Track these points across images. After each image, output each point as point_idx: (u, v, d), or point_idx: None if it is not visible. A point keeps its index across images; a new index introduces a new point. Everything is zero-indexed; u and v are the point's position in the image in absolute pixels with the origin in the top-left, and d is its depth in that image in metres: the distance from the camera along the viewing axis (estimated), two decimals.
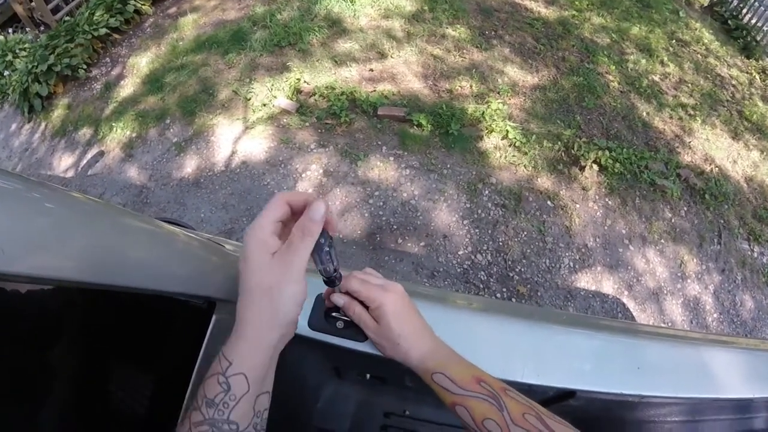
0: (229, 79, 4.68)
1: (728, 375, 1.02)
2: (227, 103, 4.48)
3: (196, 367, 0.77)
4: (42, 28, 5.83)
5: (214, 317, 0.78)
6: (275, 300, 0.54)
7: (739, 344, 1.31)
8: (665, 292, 3.71)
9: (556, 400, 0.96)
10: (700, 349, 1.09)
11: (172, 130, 4.39)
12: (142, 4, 5.79)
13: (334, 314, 0.83)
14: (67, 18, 5.55)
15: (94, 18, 5.35)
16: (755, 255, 4.12)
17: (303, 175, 3.86)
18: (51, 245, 0.42)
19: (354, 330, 0.81)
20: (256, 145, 4.09)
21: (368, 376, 1.13)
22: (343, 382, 1.18)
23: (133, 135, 4.45)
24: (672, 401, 1.01)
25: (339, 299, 0.75)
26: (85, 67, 5.11)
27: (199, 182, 3.95)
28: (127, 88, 4.97)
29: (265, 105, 4.35)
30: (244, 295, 0.56)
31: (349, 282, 0.73)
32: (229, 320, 0.70)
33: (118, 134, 4.50)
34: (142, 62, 5.17)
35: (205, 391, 0.52)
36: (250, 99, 4.43)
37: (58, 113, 4.96)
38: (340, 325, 0.82)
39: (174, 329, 0.85)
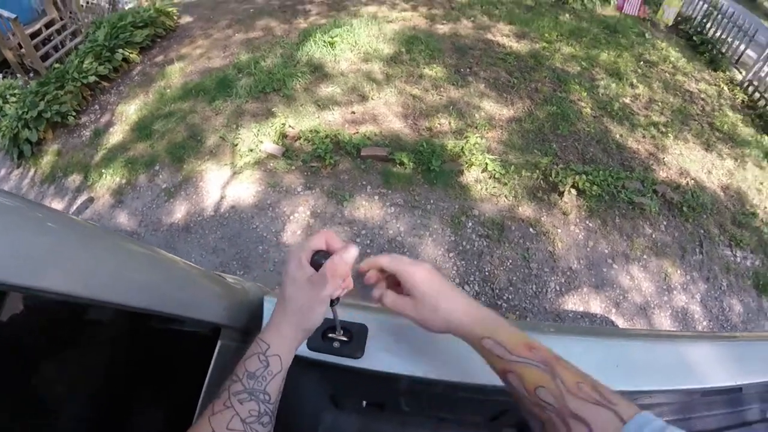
0: (216, 126, 4.85)
1: (712, 365, 1.03)
2: (215, 149, 4.63)
3: (204, 389, 0.82)
4: (32, 74, 5.90)
5: (219, 342, 0.84)
6: (305, 315, 0.69)
7: (722, 337, 1.33)
8: (653, 305, 3.81)
9: None
10: (679, 344, 1.12)
11: (161, 176, 4.51)
12: (130, 53, 5.99)
13: (330, 335, 0.89)
14: (56, 65, 5.67)
15: (84, 65, 5.49)
16: (738, 260, 4.24)
17: (291, 217, 4.00)
18: (58, 262, 0.48)
19: (349, 348, 0.87)
20: (244, 190, 4.22)
21: (365, 403, 1.14)
22: (341, 412, 1.19)
23: (123, 181, 4.57)
24: (657, 399, 1.04)
25: (372, 277, 0.77)
26: (74, 113, 5.21)
27: (189, 227, 4.08)
28: (117, 134, 5.10)
29: (251, 150, 4.50)
30: (284, 301, 0.69)
31: (378, 259, 0.75)
32: (234, 346, 0.81)
33: (108, 180, 4.62)
34: (130, 109, 5.32)
35: (246, 366, 0.63)
36: (237, 144, 4.58)
37: (47, 159, 5.08)
38: (336, 344, 0.88)
39: (180, 356, 0.89)
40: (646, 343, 1.10)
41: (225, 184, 4.31)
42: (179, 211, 4.22)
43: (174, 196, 4.33)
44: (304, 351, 0.87)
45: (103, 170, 4.69)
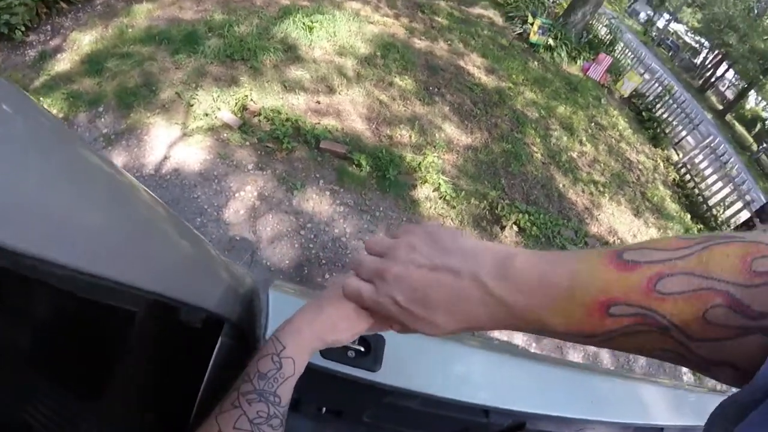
0: (174, 80, 4.56)
1: (644, 405, 1.17)
2: (168, 104, 4.35)
3: (202, 386, 0.76)
4: None
5: (220, 339, 0.77)
6: (334, 330, 0.64)
7: (660, 383, 1.48)
8: (568, 345, 4.01)
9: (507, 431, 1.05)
10: (621, 382, 1.25)
11: (103, 119, 4.16)
12: None
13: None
14: None
15: None
16: None
17: (236, 195, 3.85)
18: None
19: (366, 360, 0.82)
20: (192, 155, 4.00)
21: (323, 410, 1.09)
22: (296, 415, 1.13)
23: (60, 115, 4.15)
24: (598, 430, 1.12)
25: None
26: (23, 29, 4.64)
27: None
28: (64, 63, 4.64)
29: (207, 115, 4.27)
30: (318, 309, 0.64)
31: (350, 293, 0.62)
32: (229, 341, 0.76)
33: None
34: (84, 39, 4.87)
35: (258, 366, 0.59)
36: (192, 105, 4.33)
37: None
38: (351, 354, 0.83)
39: (178, 349, 0.81)
40: (598, 377, 1.22)
41: (172, 144, 4.06)
42: (116, 162, 3.94)
43: (113, 144, 4.02)
44: (316, 359, 0.81)
45: (41, 98, 4.26)
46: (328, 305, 0.64)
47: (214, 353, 0.77)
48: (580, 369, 1.46)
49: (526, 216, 4.43)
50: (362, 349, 0.82)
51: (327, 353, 0.82)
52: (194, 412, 0.75)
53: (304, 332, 0.63)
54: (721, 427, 0.35)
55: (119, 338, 0.66)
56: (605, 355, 4.17)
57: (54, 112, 4.15)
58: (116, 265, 0.40)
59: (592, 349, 4.15)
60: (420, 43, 6.67)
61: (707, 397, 1.38)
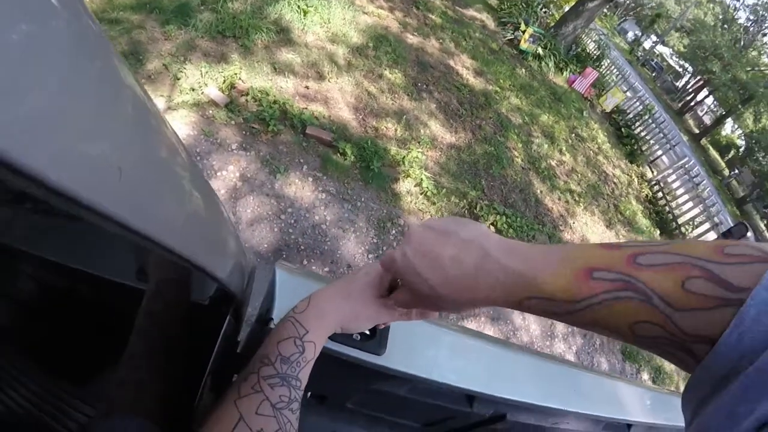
0: (162, 51, 4.45)
1: (614, 402, 1.25)
2: (154, 75, 4.25)
3: (211, 361, 0.75)
4: None
5: (228, 317, 0.78)
6: (358, 321, 0.66)
7: (633, 383, 1.57)
8: (536, 346, 4.12)
9: (488, 422, 1.11)
10: (610, 381, 1.33)
11: None
12: None
13: None
14: None
15: None
16: None
17: (218, 174, 3.83)
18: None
19: (372, 343, 0.83)
20: (175, 129, 3.96)
21: (309, 394, 1.09)
22: None
23: None
24: (572, 424, 1.20)
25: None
26: None
27: None
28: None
29: (193, 90, 4.20)
30: (349, 294, 0.65)
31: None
32: (230, 318, 0.75)
33: None
34: None
35: (279, 349, 0.59)
36: (180, 79, 4.24)
37: None
38: (356, 337, 0.83)
39: (185, 322, 0.80)
40: (577, 372, 1.27)
41: None
42: None
43: None
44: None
45: None
46: (356, 293, 0.65)
47: (224, 327, 0.76)
48: (561, 363, 1.53)
49: (504, 218, 4.53)
50: (368, 332, 0.83)
51: (334, 335, 0.80)
52: (203, 383, 0.75)
53: (328, 317, 0.64)
54: (689, 401, 0.39)
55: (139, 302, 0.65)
56: (572, 360, 4.30)
57: None
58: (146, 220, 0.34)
59: (575, 348, 4.29)
60: (412, 39, 6.71)
61: (675, 398, 1.45)
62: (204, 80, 4.30)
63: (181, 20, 4.79)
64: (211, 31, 4.81)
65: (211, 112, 4.16)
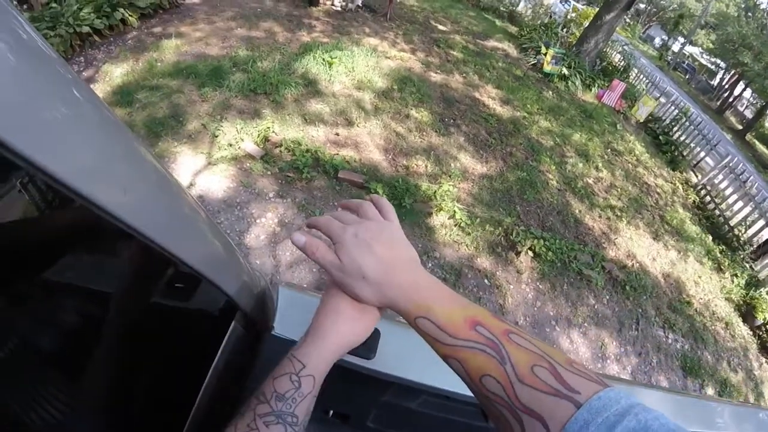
0: (200, 112, 4.79)
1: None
2: (194, 134, 4.56)
3: (210, 370, 0.77)
4: (25, 5, 5.53)
5: (232, 324, 0.79)
6: (357, 335, 0.65)
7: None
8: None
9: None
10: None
11: None
12: (130, 15, 5.78)
13: None
14: (53, 4, 5.32)
15: (81, 13, 5.21)
16: (669, 341, 4.57)
17: (257, 221, 4.00)
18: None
19: (362, 348, 0.81)
20: (216, 182, 4.16)
21: (331, 413, 1.09)
22: None
23: None
24: None
25: (299, 238, 0.65)
26: None
27: None
28: (96, 93, 4.88)
29: (231, 145, 4.47)
30: (337, 314, 0.63)
31: (315, 219, 0.68)
32: (241, 332, 0.79)
33: None
34: (116, 72, 5.15)
35: (275, 387, 0.58)
36: (218, 136, 4.54)
37: None
38: None
39: (188, 332, 0.83)
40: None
41: (197, 171, 4.24)
42: None
43: None
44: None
45: None
46: (344, 305, 0.64)
47: (225, 338, 0.78)
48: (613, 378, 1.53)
49: (542, 242, 4.49)
50: None
51: None
52: (200, 393, 0.76)
53: (327, 346, 0.62)
54: None
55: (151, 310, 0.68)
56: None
57: None
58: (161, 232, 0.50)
59: (630, 368, 4.14)
60: (436, 77, 6.89)
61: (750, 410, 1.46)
62: (240, 135, 4.55)
63: (215, 82, 5.14)
64: (243, 90, 5.14)
65: (248, 164, 4.38)
